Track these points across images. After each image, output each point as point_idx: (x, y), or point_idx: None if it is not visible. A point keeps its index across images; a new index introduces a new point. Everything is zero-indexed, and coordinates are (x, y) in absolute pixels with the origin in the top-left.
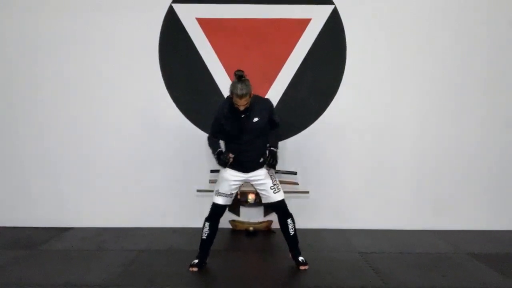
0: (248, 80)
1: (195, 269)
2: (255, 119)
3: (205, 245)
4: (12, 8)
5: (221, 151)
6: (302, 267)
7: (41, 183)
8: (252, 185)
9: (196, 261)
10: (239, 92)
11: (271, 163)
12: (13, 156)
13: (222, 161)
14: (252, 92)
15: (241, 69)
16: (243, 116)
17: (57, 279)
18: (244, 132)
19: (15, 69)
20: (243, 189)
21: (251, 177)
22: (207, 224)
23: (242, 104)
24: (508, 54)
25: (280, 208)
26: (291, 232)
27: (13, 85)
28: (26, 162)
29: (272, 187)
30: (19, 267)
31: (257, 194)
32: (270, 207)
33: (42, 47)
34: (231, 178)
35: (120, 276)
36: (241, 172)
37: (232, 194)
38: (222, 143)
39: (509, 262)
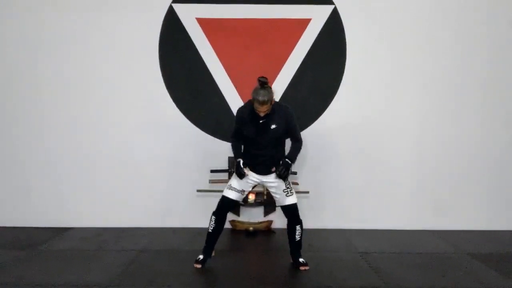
0: (270, 88)
1: (199, 265)
2: (273, 126)
3: (211, 238)
4: (12, 8)
5: (239, 161)
6: (302, 268)
7: (41, 183)
8: (266, 187)
9: (201, 257)
10: (260, 98)
11: (282, 173)
12: (13, 156)
13: (239, 172)
14: (273, 99)
15: (265, 76)
16: (261, 121)
17: (57, 279)
18: (261, 137)
19: (15, 69)
20: None
21: (264, 179)
22: (213, 217)
23: (262, 110)
24: (508, 54)
25: (292, 212)
26: (297, 238)
27: (13, 85)
28: (26, 162)
29: (285, 190)
30: (19, 267)
31: (257, 194)
32: (282, 210)
33: (42, 47)
34: (245, 181)
35: (120, 276)
36: (255, 173)
37: (244, 191)
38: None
39: (509, 262)
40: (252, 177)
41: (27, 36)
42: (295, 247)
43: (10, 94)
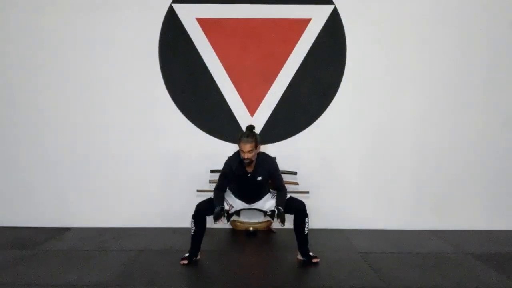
0: (256, 134)
1: (185, 261)
2: (259, 178)
3: (194, 240)
4: (12, 9)
5: (222, 208)
6: (314, 260)
7: (41, 183)
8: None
9: (187, 254)
10: (244, 138)
11: (280, 218)
12: (13, 156)
13: (218, 215)
14: (260, 147)
15: (252, 124)
16: (249, 175)
17: (57, 279)
18: (248, 188)
19: (16, 70)
20: None
21: (253, 206)
22: (193, 221)
23: (246, 150)
24: (508, 54)
25: (299, 209)
26: (306, 231)
27: (13, 86)
28: (26, 162)
29: (272, 197)
30: (19, 267)
31: None
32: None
33: (42, 47)
34: (236, 201)
35: (120, 276)
36: (244, 202)
37: (232, 207)
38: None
39: (509, 262)
40: (241, 204)
41: (26, 36)
42: (304, 241)
43: (10, 94)
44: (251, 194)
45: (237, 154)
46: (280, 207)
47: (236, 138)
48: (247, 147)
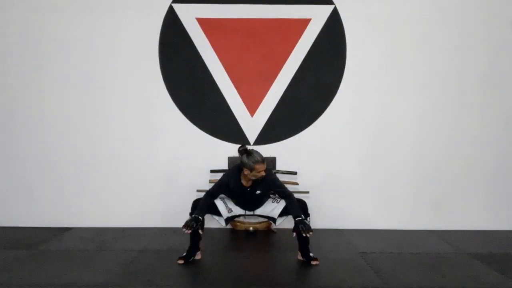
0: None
1: (181, 261)
2: (258, 192)
3: (192, 238)
4: (12, 9)
5: (198, 219)
6: (314, 262)
7: (41, 183)
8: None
9: (184, 254)
10: (259, 157)
11: (305, 229)
12: (13, 156)
13: (189, 224)
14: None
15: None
16: (248, 189)
17: (57, 279)
18: (247, 200)
19: (16, 70)
20: None
21: (254, 212)
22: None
23: (262, 170)
24: (508, 54)
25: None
26: None
27: (14, 86)
28: (26, 162)
29: (273, 201)
30: (19, 267)
31: None
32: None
33: (42, 47)
34: (236, 207)
35: (120, 276)
36: (245, 210)
37: (231, 210)
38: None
39: (509, 262)
40: (243, 211)
41: (27, 37)
42: (304, 242)
43: (11, 95)
44: (251, 205)
45: (235, 170)
46: (299, 218)
47: (236, 138)
48: (263, 167)
